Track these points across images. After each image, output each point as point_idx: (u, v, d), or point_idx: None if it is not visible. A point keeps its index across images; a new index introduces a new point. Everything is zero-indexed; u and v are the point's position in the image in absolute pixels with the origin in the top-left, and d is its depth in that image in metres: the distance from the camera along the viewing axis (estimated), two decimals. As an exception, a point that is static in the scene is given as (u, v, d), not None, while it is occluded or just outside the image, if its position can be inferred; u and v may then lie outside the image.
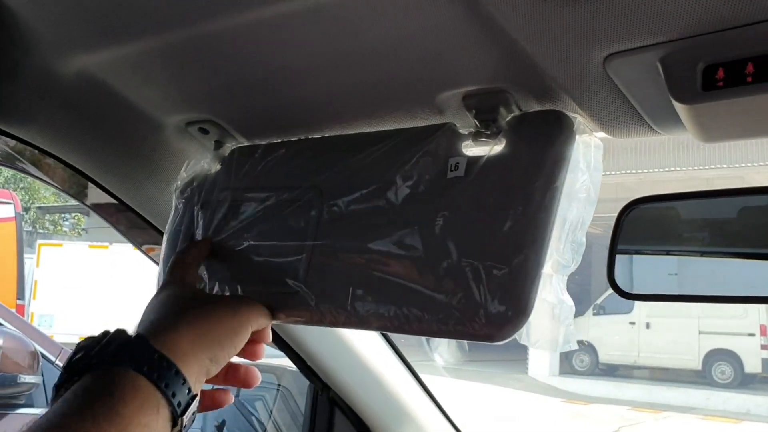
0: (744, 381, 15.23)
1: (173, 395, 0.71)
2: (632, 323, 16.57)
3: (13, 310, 4.30)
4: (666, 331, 15.75)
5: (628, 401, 14.27)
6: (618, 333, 16.68)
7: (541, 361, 16.53)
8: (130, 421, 0.67)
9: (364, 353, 1.53)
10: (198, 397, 0.75)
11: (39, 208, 18.41)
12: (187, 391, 0.73)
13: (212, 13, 0.80)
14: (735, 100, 0.63)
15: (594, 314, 17.37)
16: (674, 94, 0.66)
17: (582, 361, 17.43)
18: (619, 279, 0.79)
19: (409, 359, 1.65)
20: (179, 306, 0.82)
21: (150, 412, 0.69)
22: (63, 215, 19.05)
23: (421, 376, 1.66)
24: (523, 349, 17.38)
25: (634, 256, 0.81)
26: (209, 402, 0.86)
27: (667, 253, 0.84)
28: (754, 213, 0.81)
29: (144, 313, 0.82)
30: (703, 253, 0.81)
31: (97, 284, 12.38)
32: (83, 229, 18.55)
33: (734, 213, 0.80)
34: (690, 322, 15.55)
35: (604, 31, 0.66)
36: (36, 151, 1.14)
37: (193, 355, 0.76)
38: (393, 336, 1.58)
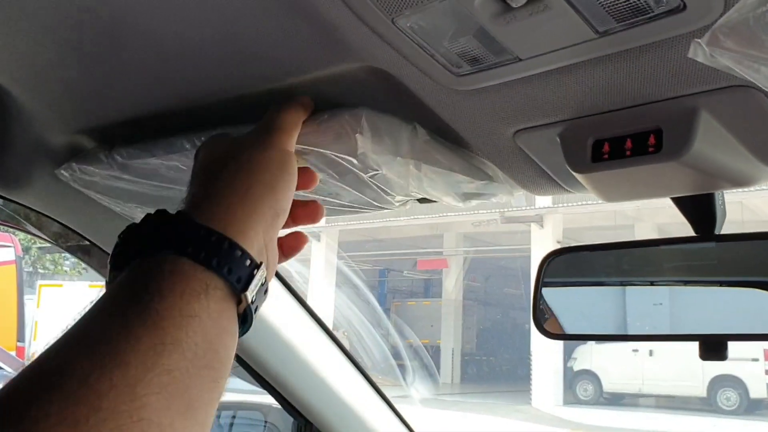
0: (750, 407, 15.16)
1: (229, 271, 0.62)
2: (635, 351, 16.54)
3: (13, 353, 4.37)
4: (669, 358, 15.71)
5: (634, 430, 14.21)
6: (621, 361, 16.66)
7: (545, 392, 16.49)
8: (170, 314, 0.57)
9: (342, 388, 1.62)
10: (264, 264, 0.67)
11: (40, 248, 18.56)
12: (247, 262, 0.64)
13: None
14: (618, 170, 0.74)
15: (596, 342, 17.36)
16: (570, 164, 0.77)
17: (586, 390, 17.38)
18: (543, 320, 0.90)
19: (388, 394, 1.75)
20: (214, 169, 0.73)
21: (194, 299, 0.59)
22: (63, 255, 19.18)
23: (426, 410, 1.74)
24: (526, 381, 17.34)
25: (558, 299, 0.92)
26: (287, 249, 0.81)
27: (587, 290, 0.96)
28: (662, 260, 0.92)
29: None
30: (615, 295, 0.92)
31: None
32: (83, 269, 18.65)
33: (642, 262, 0.91)
34: (693, 348, 15.45)
35: (509, 113, 0.78)
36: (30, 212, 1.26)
37: (249, 216, 0.68)
38: (370, 372, 1.69)
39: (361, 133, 0.81)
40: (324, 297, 16.60)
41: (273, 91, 0.86)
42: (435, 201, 0.95)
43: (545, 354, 16.28)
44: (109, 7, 0.77)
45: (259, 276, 0.65)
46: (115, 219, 1.27)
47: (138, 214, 1.18)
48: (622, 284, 0.93)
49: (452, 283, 22.34)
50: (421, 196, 0.94)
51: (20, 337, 6.51)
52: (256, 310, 0.66)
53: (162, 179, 1.04)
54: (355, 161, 0.83)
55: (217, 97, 0.90)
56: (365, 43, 0.72)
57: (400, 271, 24.86)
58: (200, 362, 0.58)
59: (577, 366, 17.56)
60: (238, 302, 0.64)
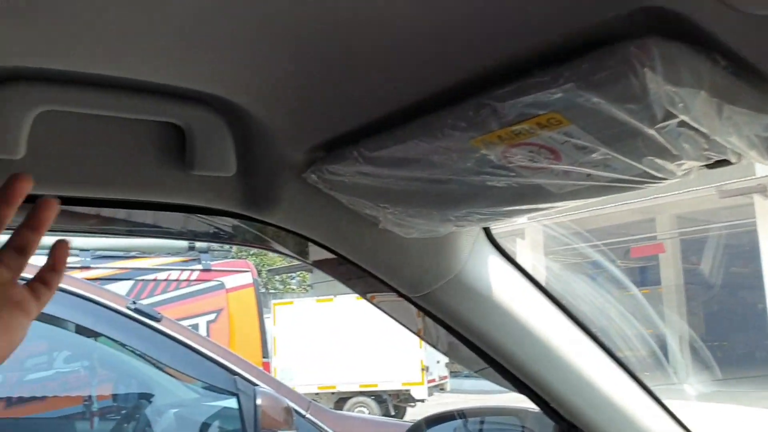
0: None
1: None
2: None
3: (261, 368, 4.66)
4: None
5: None
6: None
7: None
8: None
9: (607, 386, 1.48)
10: None
11: (269, 270, 20.07)
12: None
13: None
14: None
15: None
16: None
17: None
18: None
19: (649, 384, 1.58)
20: None
21: None
22: (290, 274, 20.60)
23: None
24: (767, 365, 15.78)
25: None
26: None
27: None
28: None
29: None
30: None
31: (328, 335, 13.23)
32: (309, 285, 19.88)
33: None
34: None
35: None
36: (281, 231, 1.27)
37: None
38: (634, 363, 1.54)
39: (652, 69, 0.64)
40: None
41: (527, 48, 0.76)
42: (732, 163, 0.79)
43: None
44: (337, 8, 0.74)
45: None
46: (358, 225, 1.24)
47: (384, 215, 1.14)
48: None
49: (671, 268, 20.99)
50: (714, 158, 0.78)
51: (265, 353, 7.01)
52: None
53: (414, 167, 0.97)
54: (638, 109, 0.67)
55: (466, 70, 0.83)
56: None
57: (611, 261, 23.84)
58: None
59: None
60: None
